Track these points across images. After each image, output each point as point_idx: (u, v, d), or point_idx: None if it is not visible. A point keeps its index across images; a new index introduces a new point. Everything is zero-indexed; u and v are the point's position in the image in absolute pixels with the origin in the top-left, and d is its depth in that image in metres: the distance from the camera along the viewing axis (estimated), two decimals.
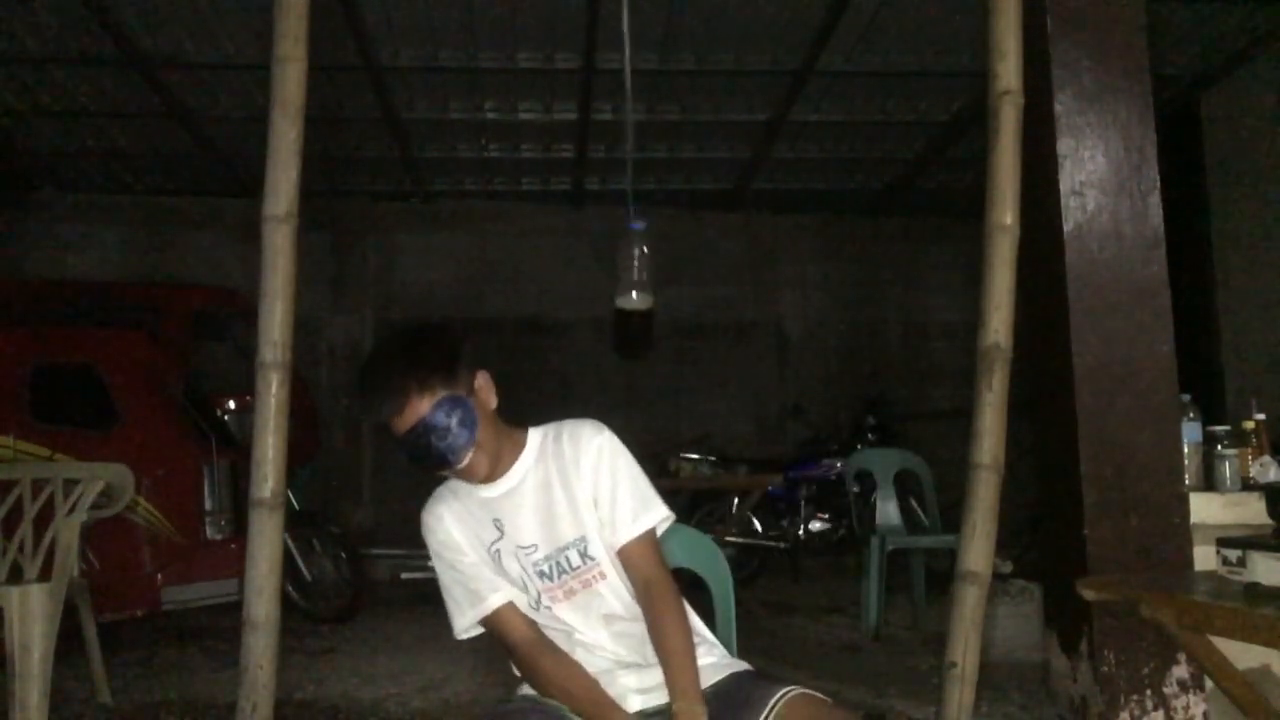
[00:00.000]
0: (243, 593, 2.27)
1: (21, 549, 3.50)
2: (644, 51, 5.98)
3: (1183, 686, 2.76)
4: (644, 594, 1.78)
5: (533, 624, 1.81)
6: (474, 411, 1.73)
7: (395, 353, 1.74)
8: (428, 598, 6.74)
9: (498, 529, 1.81)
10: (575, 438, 1.83)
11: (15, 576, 3.46)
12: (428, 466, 1.76)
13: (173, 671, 4.50)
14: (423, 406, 1.69)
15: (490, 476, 1.81)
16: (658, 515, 1.82)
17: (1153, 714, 2.74)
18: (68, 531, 3.47)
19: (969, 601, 2.48)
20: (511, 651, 1.82)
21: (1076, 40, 2.92)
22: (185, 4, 5.40)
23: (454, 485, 1.86)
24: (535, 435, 1.86)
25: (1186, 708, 2.75)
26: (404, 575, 6.43)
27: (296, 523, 5.30)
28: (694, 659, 1.73)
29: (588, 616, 1.81)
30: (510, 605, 1.80)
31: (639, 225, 2.62)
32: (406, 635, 5.25)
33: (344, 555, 5.71)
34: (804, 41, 5.91)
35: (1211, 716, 2.76)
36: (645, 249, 2.68)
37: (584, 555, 1.79)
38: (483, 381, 1.80)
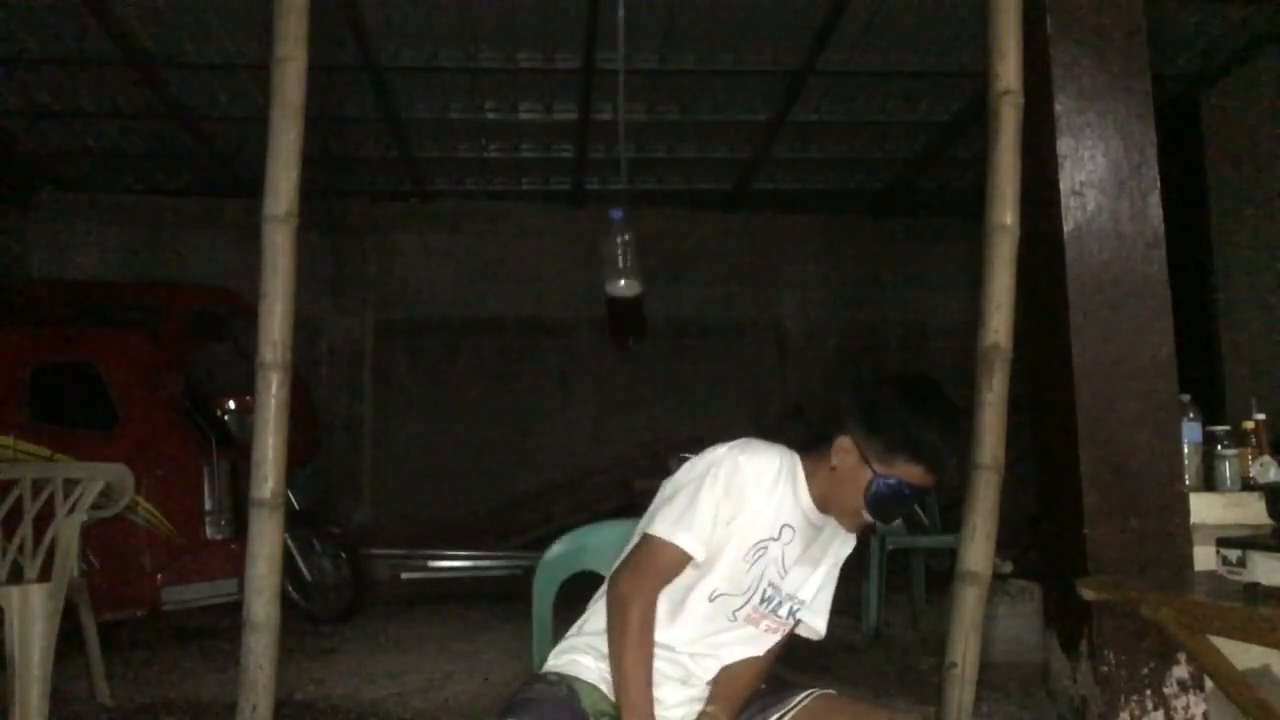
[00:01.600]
0: (243, 593, 2.26)
1: (21, 549, 3.50)
2: (644, 51, 5.98)
3: (1183, 686, 2.76)
4: (761, 659, 1.87)
5: (666, 583, 1.79)
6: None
7: (961, 431, 1.84)
8: (428, 598, 6.73)
9: (783, 535, 1.81)
10: (844, 534, 1.91)
11: (15, 576, 3.45)
12: (885, 517, 1.82)
13: (173, 671, 4.50)
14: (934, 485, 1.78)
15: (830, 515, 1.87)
16: (822, 630, 1.95)
17: (1153, 714, 2.74)
18: (68, 531, 3.46)
19: (969, 601, 2.48)
20: (637, 575, 1.76)
21: (1076, 40, 2.92)
22: (185, 4, 5.40)
23: (790, 468, 1.83)
24: None
25: (1186, 708, 2.75)
26: (404, 575, 6.43)
27: (296, 523, 5.30)
28: (747, 695, 1.84)
29: (743, 647, 1.84)
30: (688, 561, 1.77)
31: (618, 215, 2.65)
32: (406, 635, 5.25)
33: (344, 555, 5.71)
34: (804, 41, 5.91)
35: (1211, 716, 2.76)
36: (628, 237, 2.71)
37: (792, 614, 1.87)
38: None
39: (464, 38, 5.84)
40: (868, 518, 1.79)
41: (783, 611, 1.84)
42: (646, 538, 1.78)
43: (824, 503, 1.82)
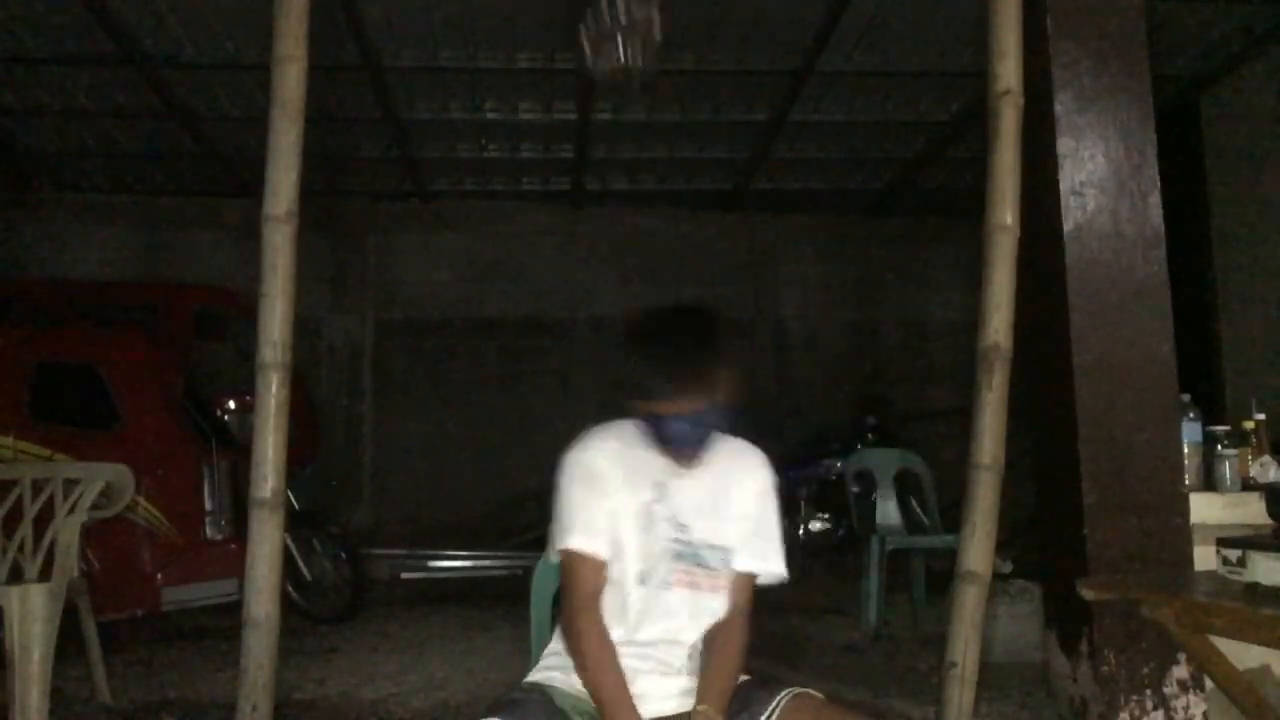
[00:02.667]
0: (243, 593, 2.27)
1: (21, 549, 3.50)
2: None
3: (1183, 686, 2.76)
4: (725, 619, 1.86)
5: (598, 594, 1.81)
6: (718, 420, 1.81)
7: (709, 338, 1.80)
8: (428, 598, 6.71)
9: (658, 492, 1.83)
10: (750, 463, 1.94)
11: (15, 576, 3.45)
12: (684, 448, 1.81)
13: (173, 671, 4.50)
14: (704, 401, 1.76)
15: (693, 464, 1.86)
16: (779, 570, 1.92)
17: (1153, 714, 2.74)
18: (68, 531, 3.46)
19: (969, 601, 2.49)
20: (569, 604, 1.82)
21: (1076, 40, 2.92)
22: (185, 4, 5.40)
23: (632, 430, 1.85)
24: (720, 439, 1.91)
25: (1186, 708, 2.75)
26: (404, 575, 6.43)
27: (296, 523, 5.30)
28: (735, 682, 1.81)
29: (698, 618, 1.84)
30: (599, 564, 1.81)
31: None
32: (406, 635, 5.24)
33: (344, 555, 5.71)
34: (804, 41, 5.91)
35: (1211, 716, 2.76)
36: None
37: (724, 563, 1.86)
38: (731, 386, 1.84)
39: (464, 38, 5.84)
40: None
41: (712, 562, 1.84)
42: (561, 561, 1.85)
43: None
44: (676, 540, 1.83)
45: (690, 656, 1.86)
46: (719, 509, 1.87)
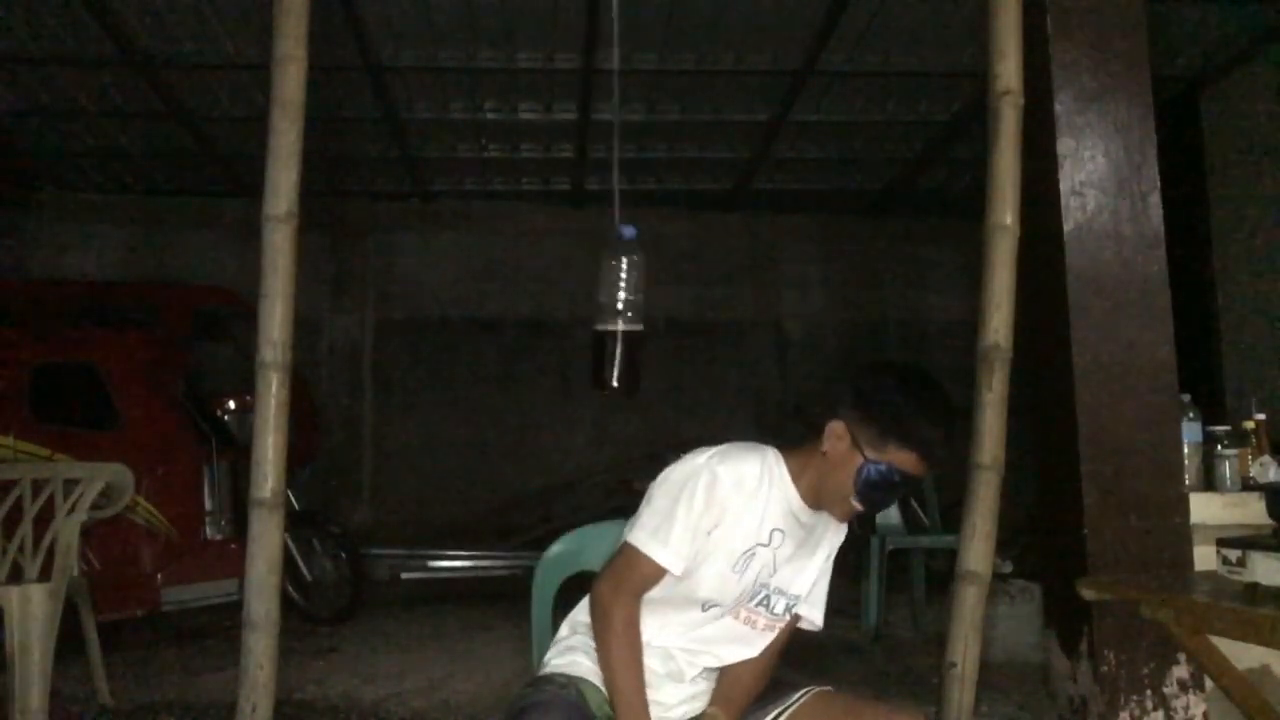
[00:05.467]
0: (243, 593, 2.26)
1: (21, 549, 3.50)
2: (644, 51, 5.98)
3: (1183, 686, 2.76)
4: (763, 655, 1.86)
5: (647, 590, 1.79)
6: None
7: (956, 419, 1.79)
8: (428, 598, 6.72)
9: (774, 539, 1.80)
10: (835, 525, 1.90)
11: (15, 576, 3.45)
12: (874, 504, 1.80)
13: (173, 671, 4.50)
14: (932, 470, 1.78)
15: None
16: (819, 623, 1.94)
17: (1153, 714, 2.74)
18: (68, 531, 3.47)
19: (969, 601, 2.48)
20: (616, 583, 1.77)
21: (1076, 40, 2.92)
22: (185, 4, 5.39)
23: (772, 471, 1.81)
24: None
25: (1186, 708, 2.75)
26: (404, 575, 6.43)
27: (296, 523, 5.30)
28: (750, 700, 1.83)
29: (739, 646, 1.83)
30: (665, 572, 1.76)
31: (629, 232, 2.38)
32: (406, 635, 5.25)
33: (344, 555, 5.71)
34: (804, 41, 5.91)
35: (1211, 716, 2.76)
36: (637, 259, 2.42)
37: (788, 610, 1.86)
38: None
39: (464, 38, 5.84)
40: (857, 505, 1.77)
41: (778, 608, 1.84)
42: (626, 545, 1.78)
43: (813, 492, 1.80)
44: (762, 585, 1.82)
45: (709, 671, 1.85)
46: (806, 561, 1.87)
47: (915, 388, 1.76)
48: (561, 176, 8.18)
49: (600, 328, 2.24)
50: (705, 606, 1.80)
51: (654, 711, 1.74)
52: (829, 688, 1.80)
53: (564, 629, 1.90)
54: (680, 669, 1.82)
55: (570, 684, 1.78)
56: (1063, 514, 2.89)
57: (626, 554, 1.77)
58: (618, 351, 2.29)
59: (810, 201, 8.74)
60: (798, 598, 1.86)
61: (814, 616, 1.92)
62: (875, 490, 1.74)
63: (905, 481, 1.75)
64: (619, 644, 1.73)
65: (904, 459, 1.71)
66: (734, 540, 1.77)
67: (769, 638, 1.85)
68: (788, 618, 1.87)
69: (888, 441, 1.71)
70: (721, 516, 1.76)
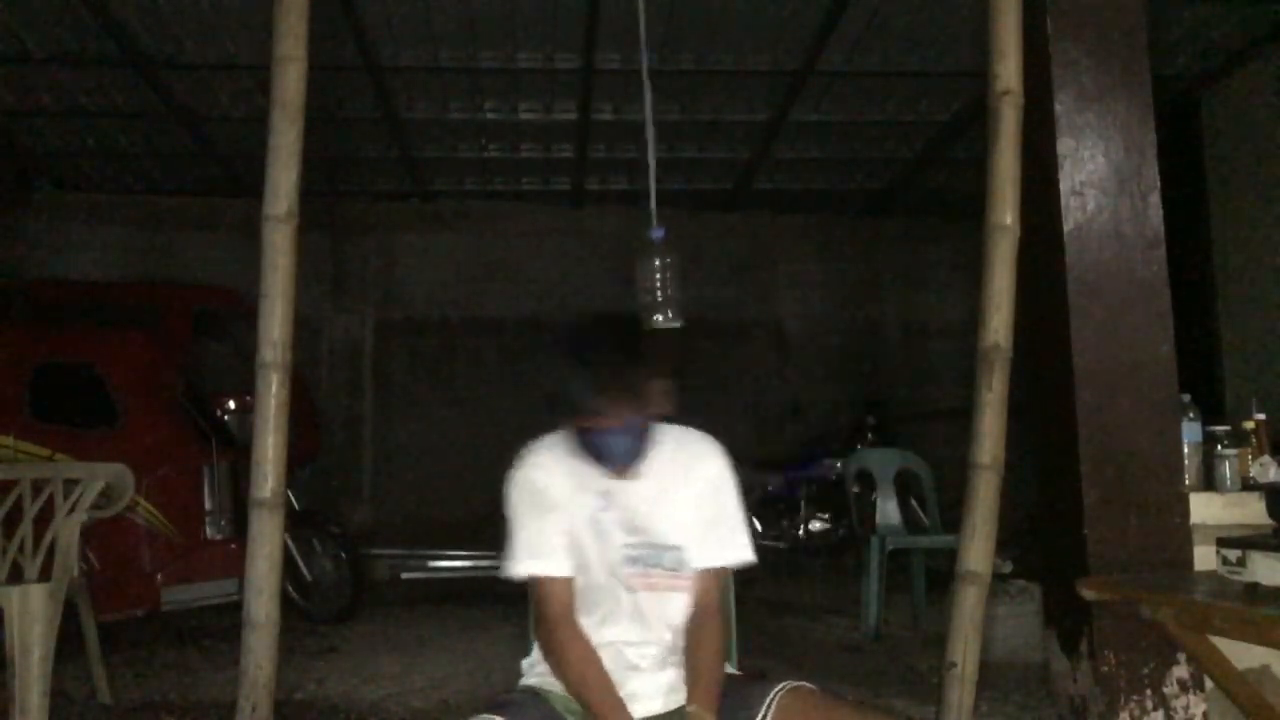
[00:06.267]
0: (243, 593, 2.26)
1: (21, 549, 3.50)
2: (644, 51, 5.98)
3: (1183, 686, 2.76)
4: (699, 615, 1.84)
5: (571, 605, 1.82)
6: (654, 427, 1.81)
7: (632, 349, 1.79)
8: (428, 598, 6.70)
9: (605, 500, 1.83)
10: (699, 452, 1.92)
11: (15, 576, 3.45)
12: (599, 460, 1.80)
13: (173, 671, 4.50)
14: (631, 412, 1.75)
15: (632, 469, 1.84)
16: (745, 556, 1.90)
17: (1153, 714, 2.74)
18: (68, 531, 3.46)
19: (969, 601, 2.48)
20: (543, 621, 1.84)
21: (1076, 40, 2.92)
22: (185, 4, 5.40)
23: (566, 442, 1.86)
24: (666, 433, 1.90)
25: (1186, 708, 2.75)
26: (404, 575, 6.43)
27: (296, 523, 5.30)
28: (721, 678, 1.80)
29: (657, 613, 1.84)
30: (565, 580, 1.82)
31: (659, 234, 2.44)
32: (406, 635, 5.24)
33: (344, 555, 5.71)
34: (804, 41, 5.91)
35: (1211, 716, 2.76)
36: (670, 260, 2.50)
37: (679, 563, 1.85)
38: (663, 393, 1.83)
39: (464, 38, 5.84)
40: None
41: (668, 562, 1.83)
42: (529, 583, 1.87)
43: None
44: (629, 545, 1.83)
45: (669, 654, 1.85)
46: (671, 507, 1.86)
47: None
48: (561, 176, 8.18)
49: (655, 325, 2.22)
50: (603, 585, 1.82)
51: (634, 707, 1.77)
52: (805, 684, 1.78)
53: (535, 651, 1.93)
54: (632, 660, 1.83)
55: (530, 691, 1.85)
56: (1063, 514, 2.89)
57: (532, 589, 1.86)
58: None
59: (810, 201, 8.74)
60: (683, 546, 1.84)
61: (731, 555, 1.89)
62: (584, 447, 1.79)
63: (596, 428, 1.75)
64: (574, 671, 1.78)
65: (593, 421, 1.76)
66: (577, 514, 1.83)
67: (684, 595, 1.84)
68: (689, 568, 1.85)
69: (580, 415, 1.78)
70: (551, 500, 1.83)
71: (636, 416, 1.76)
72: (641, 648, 1.84)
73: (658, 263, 2.40)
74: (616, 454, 1.78)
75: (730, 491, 1.91)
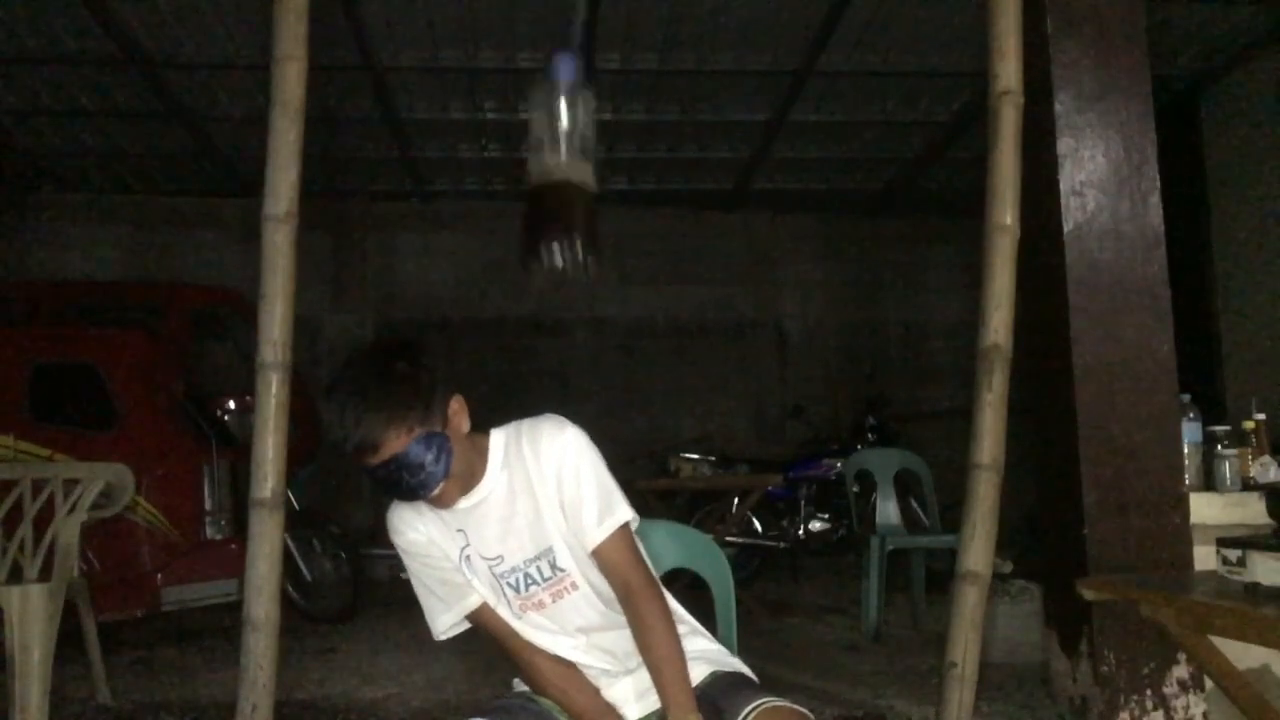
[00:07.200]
0: (243, 593, 2.26)
1: (21, 549, 3.50)
2: (644, 51, 5.98)
3: (1183, 686, 2.76)
4: (624, 597, 1.72)
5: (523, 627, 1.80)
6: (449, 444, 1.62)
7: (369, 385, 1.59)
8: None
9: (464, 537, 1.75)
10: (535, 440, 1.74)
11: (15, 576, 3.46)
12: (398, 497, 1.69)
13: (173, 671, 4.50)
14: (398, 444, 1.58)
15: (460, 498, 1.72)
16: (623, 516, 1.73)
17: (1153, 714, 2.74)
18: (68, 531, 3.47)
19: (969, 601, 2.48)
20: (504, 644, 1.80)
21: (1076, 40, 2.93)
22: (185, 4, 5.40)
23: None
24: (498, 440, 1.77)
25: (1186, 708, 2.75)
26: (404, 575, 6.41)
27: (296, 523, 5.30)
28: (683, 663, 1.69)
29: (563, 628, 1.77)
30: (487, 610, 1.78)
31: (568, 67, 2.01)
32: (406, 635, 5.24)
33: (344, 555, 5.71)
34: (804, 41, 5.91)
35: (1211, 716, 2.76)
36: (585, 105, 2.06)
37: (553, 567, 1.74)
38: (457, 407, 1.68)
39: (464, 38, 5.84)
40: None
41: (544, 572, 1.73)
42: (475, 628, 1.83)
43: (468, 473, 1.70)
44: (498, 575, 1.75)
45: (625, 654, 1.78)
46: (518, 519, 1.73)
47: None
48: None
49: (542, 173, 1.81)
50: (515, 616, 1.77)
51: (627, 709, 1.78)
52: (781, 702, 1.66)
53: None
54: (599, 667, 1.80)
55: (522, 695, 1.83)
56: (1063, 514, 2.89)
57: (478, 629, 1.81)
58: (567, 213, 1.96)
59: (810, 202, 8.74)
60: (550, 549, 1.73)
61: (606, 527, 1.71)
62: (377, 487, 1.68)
63: (375, 470, 1.61)
64: (555, 689, 1.76)
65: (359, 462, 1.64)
66: (453, 556, 1.76)
67: (583, 593, 1.75)
68: (570, 570, 1.74)
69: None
70: (423, 550, 1.77)
71: (401, 448, 1.58)
72: (596, 654, 1.78)
73: (566, 107, 1.98)
74: (398, 489, 1.64)
75: (586, 460, 1.74)
